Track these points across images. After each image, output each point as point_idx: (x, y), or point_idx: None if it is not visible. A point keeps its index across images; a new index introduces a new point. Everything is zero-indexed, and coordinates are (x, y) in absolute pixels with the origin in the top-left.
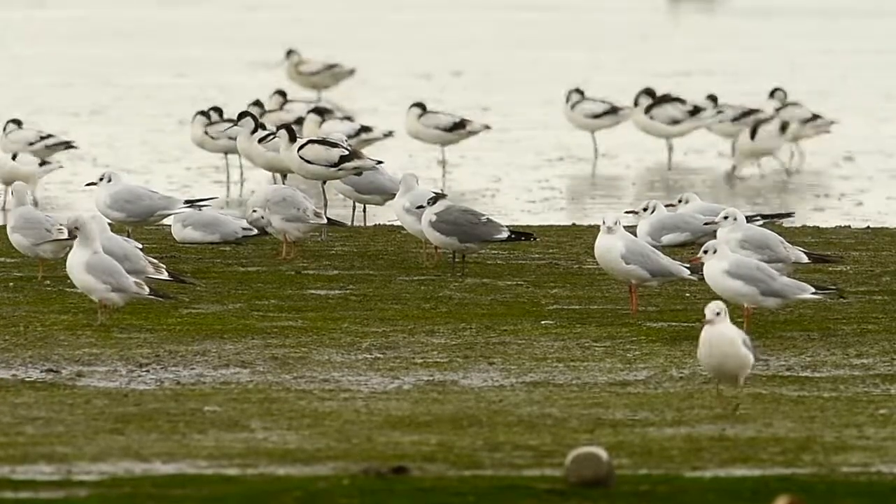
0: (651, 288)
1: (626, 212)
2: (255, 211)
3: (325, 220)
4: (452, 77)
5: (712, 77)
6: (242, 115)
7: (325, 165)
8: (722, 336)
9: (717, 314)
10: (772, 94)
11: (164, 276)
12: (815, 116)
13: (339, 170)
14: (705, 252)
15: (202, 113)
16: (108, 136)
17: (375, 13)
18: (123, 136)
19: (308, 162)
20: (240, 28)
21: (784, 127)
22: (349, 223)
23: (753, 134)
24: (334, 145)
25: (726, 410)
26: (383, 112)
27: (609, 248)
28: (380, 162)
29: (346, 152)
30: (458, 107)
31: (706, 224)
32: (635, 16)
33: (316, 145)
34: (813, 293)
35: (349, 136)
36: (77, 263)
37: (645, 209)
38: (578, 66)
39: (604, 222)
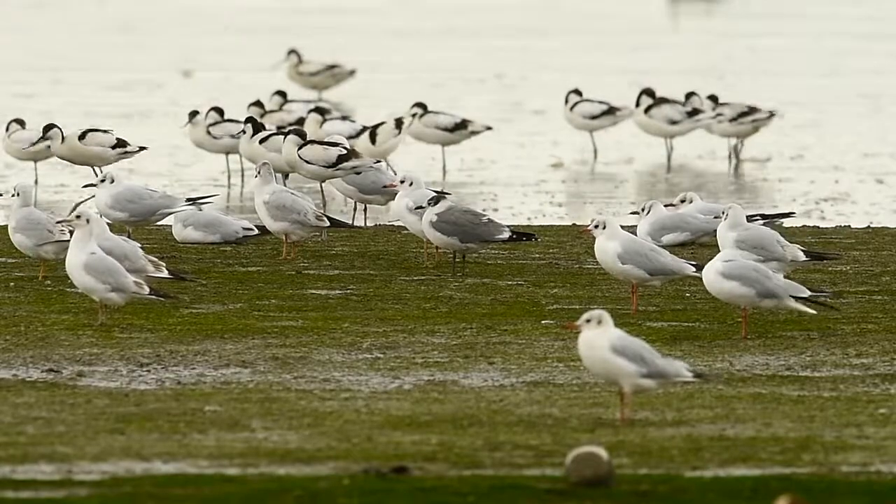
0: (654, 287)
1: (632, 212)
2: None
3: (327, 223)
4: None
5: (712, 77)
6: (248, 119)
7: (324, 166)
8: (584, 342)
9: (588, 321)
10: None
11: (165, 273)
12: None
13: (338, 169)
14: (596, 227)
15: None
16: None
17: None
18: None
19: (307, 162)
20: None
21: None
22: (350, 223)
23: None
24: (333, 145)
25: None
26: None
27: (605, 249)
28: (378, 161)
29: (344, 152)
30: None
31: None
32: (636, 15)
33: (315, 145)
34: (808, 297)
35: (350, 137)
36: (76, 264)
37: (643, 209)
38: (579, 67)
39: (594, 225)
